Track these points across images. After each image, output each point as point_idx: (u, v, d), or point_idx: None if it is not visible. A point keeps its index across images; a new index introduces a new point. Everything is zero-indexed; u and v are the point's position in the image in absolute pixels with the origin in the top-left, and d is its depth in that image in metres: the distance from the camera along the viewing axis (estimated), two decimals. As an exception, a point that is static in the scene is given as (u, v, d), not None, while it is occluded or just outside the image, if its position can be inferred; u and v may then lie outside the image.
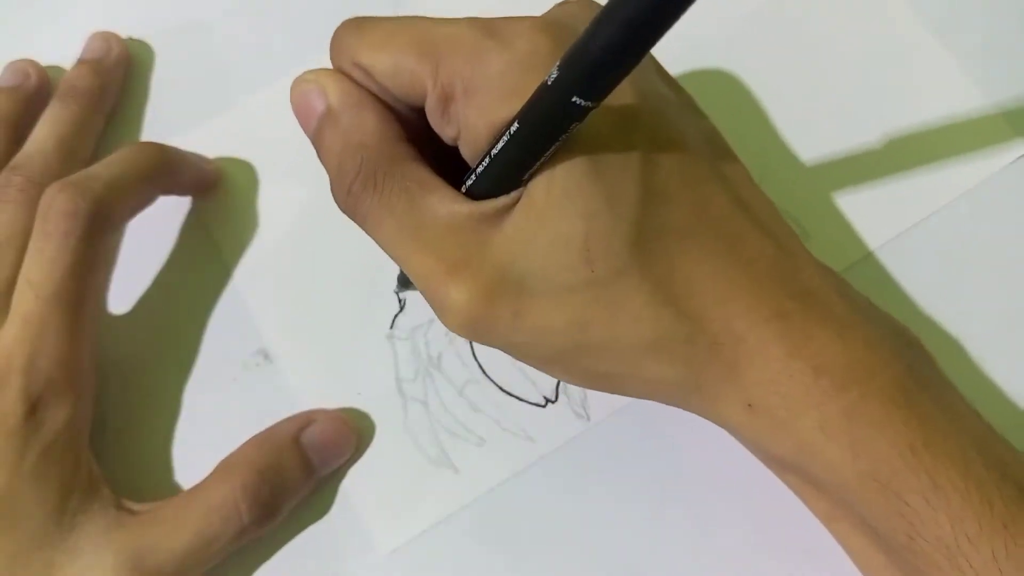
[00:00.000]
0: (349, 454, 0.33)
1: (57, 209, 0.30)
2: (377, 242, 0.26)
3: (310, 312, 0.36)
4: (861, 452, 0.24)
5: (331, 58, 0.27)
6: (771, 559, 0.31)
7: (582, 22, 0.21)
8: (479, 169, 0.25)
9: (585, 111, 0.21)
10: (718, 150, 0.27)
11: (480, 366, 0.34)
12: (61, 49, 0.38)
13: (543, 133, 0.22)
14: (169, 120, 0.39)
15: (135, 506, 0.31)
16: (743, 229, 0.25)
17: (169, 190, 0.35)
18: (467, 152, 0.25)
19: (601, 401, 0.33)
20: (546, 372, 0.27)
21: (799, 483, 0.27)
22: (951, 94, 0.37)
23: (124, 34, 0.39)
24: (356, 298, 0.36)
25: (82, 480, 0.30)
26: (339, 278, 0.36)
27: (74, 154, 0.34)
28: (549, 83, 0.21)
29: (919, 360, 0.27)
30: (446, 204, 0.25)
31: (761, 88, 0.37)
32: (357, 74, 0.26)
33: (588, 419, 0.33)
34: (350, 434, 0.33)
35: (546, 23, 0.25)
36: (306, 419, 0.33)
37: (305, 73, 0.27)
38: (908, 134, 0.36)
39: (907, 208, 0.35)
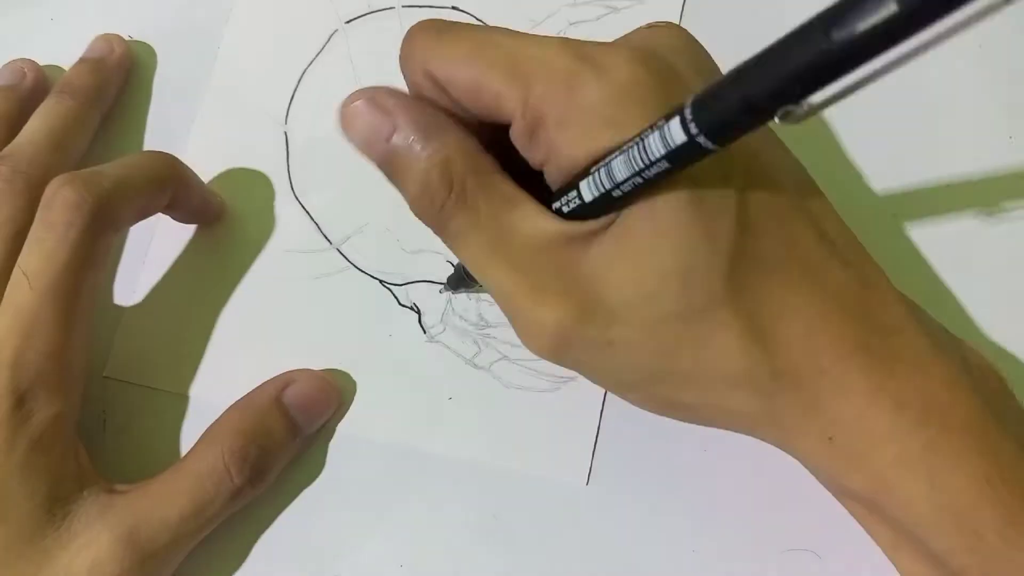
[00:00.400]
0: (332, 411, 0.33)
1: (62, 199, 0.29)
2: (460, 256, 0.26)
3: (356, 382, 0.35)
4: (938, 485, 0.24)
5: (401, 61, 0.26)
6: (784, 463, 0.30)
7: (674, 52, 0.23)
8: (575, 193, 0.24)
9: (707, 153, 0.20)
10: (803, 184, 0.27)
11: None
12: (62, 50, 0.38)
13: (655, 166, 0.21)
14: (172, 123, 0.38)
15: (125, 487, 0.31)
16: (828, 264, 0.25)
17: (174, 205, 0.34)
18: (553, 176, 0.25)
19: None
20: (623, 397, 0.28)
21: (867, 515, 0.27)
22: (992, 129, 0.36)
23: (127, 36, 0.39)
24: (378, 337, 0.36)
25: (71, 470, 0.30)
26: (349, 333, 0.36)
27: (65, 148, 0.34)
28: (675, 119, 0.20)
29: (998, 395, 0.27)
30: (533, 221, 0.24)
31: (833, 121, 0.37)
32: (426, 85, 0.25)
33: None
34: (331, 391, 0.33)
35: (643, 54, 0.24)
36: (286, 380, 0.33)
37: (356, 92, 0.26)
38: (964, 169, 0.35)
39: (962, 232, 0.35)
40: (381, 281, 0.36)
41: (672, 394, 0.26)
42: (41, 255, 0.29)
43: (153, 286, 0.36)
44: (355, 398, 0.34)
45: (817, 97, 0.17)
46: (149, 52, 0.39)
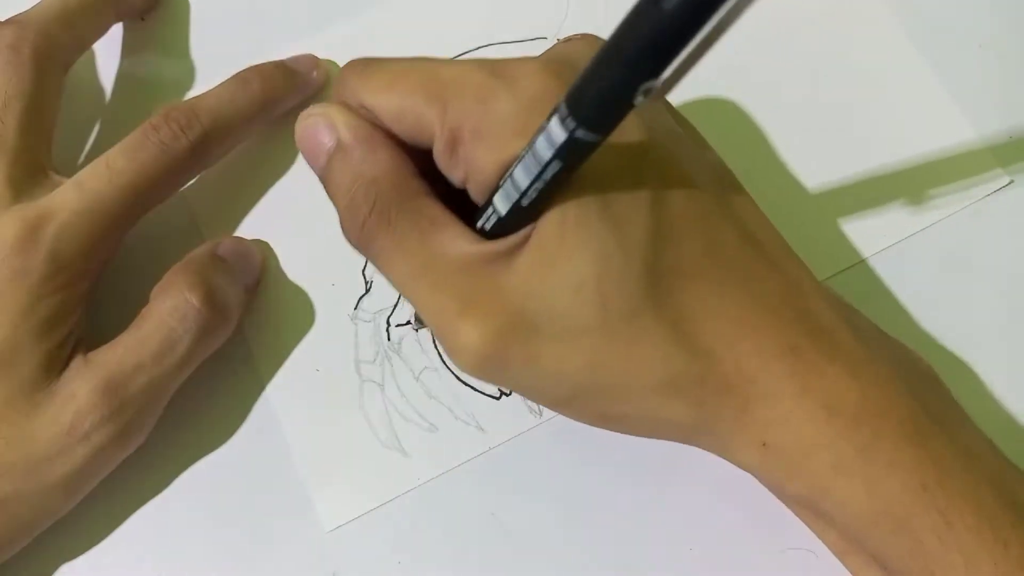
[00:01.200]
0: (260, 260, 0.35)
1: (168, 129, 0.32)
2: (388, 278, 0.26)
3: (277, 287, 0.36)
4: (874, 491, 0.24)
5: (334, 99, 0.27)
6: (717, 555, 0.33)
7: (583, 58, 0.22)
8: (487, 208, 0.25)
9: (591, 146, 0.21)
10: (726, 183, 0.27)
11: (440, 354, 0.36)
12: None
13: (548, 168, 0.22)
14: (209, 47, 0.39)
15: (104, 345, 0.31)
16: (753, 265, 0.25)
17: (274, 116, 0.36)
18: (475, 193, 0.25)
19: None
20: (558, 412, 0.28)
21: (813, 519, 0.27)
22: (941, 123, 0.37)
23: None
24: (322, 277, 0.36)
25: (72, 340, 0.31)
26: (307, 258, 0.37)
27: (74, 28, 0.34)
28: (554, 118, 0.21)
29: (933, 394, 0.27)
30: (457, 243, 0.25)
31: (757, 112, 0.37)
32: (363, 115, 0.26)
33: (540, 415, 0.35)
34: (252, 246, 0.35)
35: (552, 63, 0.25)
36: (212, 243, 0.34)
37: (312, 107, 0.27)
38: (897, 160, 0.37)
39: (894, 225, 0.36)
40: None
41: (605, 407, 0.26)
42: (130, 159, 0.31)
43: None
44: (264, 305, 0.36)
45: (669, 70, 0.18)
46: None
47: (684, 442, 0.27)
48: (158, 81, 0.38)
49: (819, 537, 0.28)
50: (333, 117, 0.26)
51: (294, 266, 0.36)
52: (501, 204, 0.24)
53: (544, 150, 0.22)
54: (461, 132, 0.24)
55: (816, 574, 0.31)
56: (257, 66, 0.35)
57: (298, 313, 0.36)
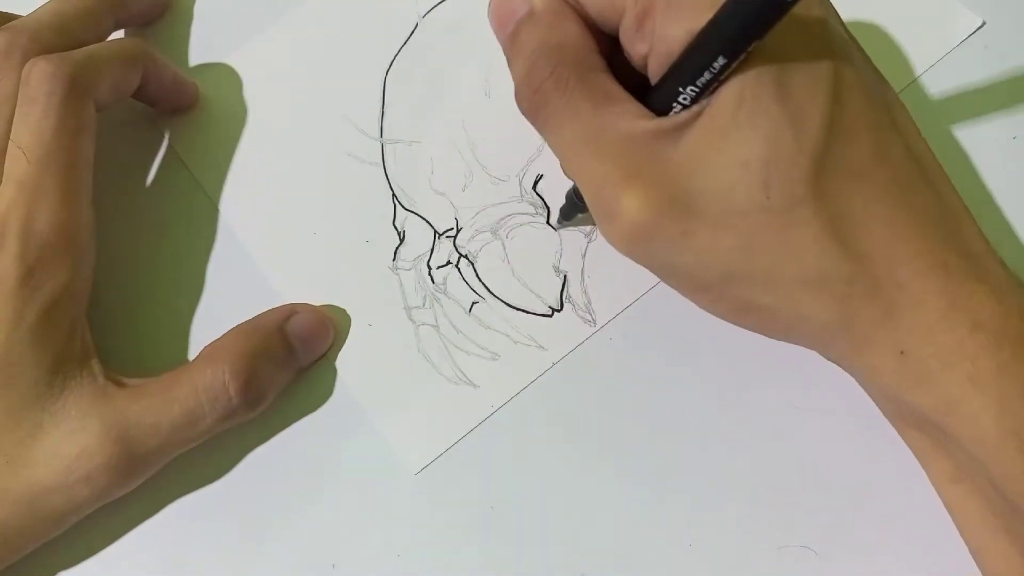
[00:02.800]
0: (329, 344, 0.34)
1: (38, 72, 0.30)
2: (552, 144, 0.27)
3: (309, 251, 0.37)
4: (1007, 409, 0.24)
5: None
6: (781, 460, 0.33)
7: None
8: (663, 83, 0.25)
9: (786, 6, 0.21)
10: (890, 98, 0.27)
11: (485, 285, 0.36)
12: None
13: (742, 25, 0.22)
14: (212, 44, 0.39)
15: (124, 380, 0.31)
16: (914, 180, 0.25)
17: (147, 86, 0.35)
18: (655, 66, 0.25)
19: (605, 305, 0.36)
20: (695, 300, 0.28)
21: (927, 442, 0.27)
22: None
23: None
24: (356, 235, 0.37)
25: (76, 347, 0.30)
26: (336, 220, 0.37)
27: (70, 35, 0.33)
28: None
29: None
30: (628, 117, 0.25)
31: None
32: None
33: (594, 323, 0.36)
34: (329, 326, 0.34)
35: None
36: (289, 310, 0.34)
37: None
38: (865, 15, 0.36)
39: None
40: (394, 194, 0.37)
41: (745, 294, 0.26)
42: (29, 127, 0.30)
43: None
44: (304, 270, 0.36)
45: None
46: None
47: (813, 344, 0.27)
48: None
49: (926, 465, 0.28)
50: None
51: (324, 231, 0.37)
52: (679, 75, 0.24)
53: (737, 8, 0.21)
54: (654, 4, 0.24)
55: (813, 572, 0.31)
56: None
57: (340, 275, 0.36)
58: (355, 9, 0.39)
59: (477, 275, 0.36)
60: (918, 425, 0.27)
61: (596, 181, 0.25)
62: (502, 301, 0.36)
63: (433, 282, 0.36)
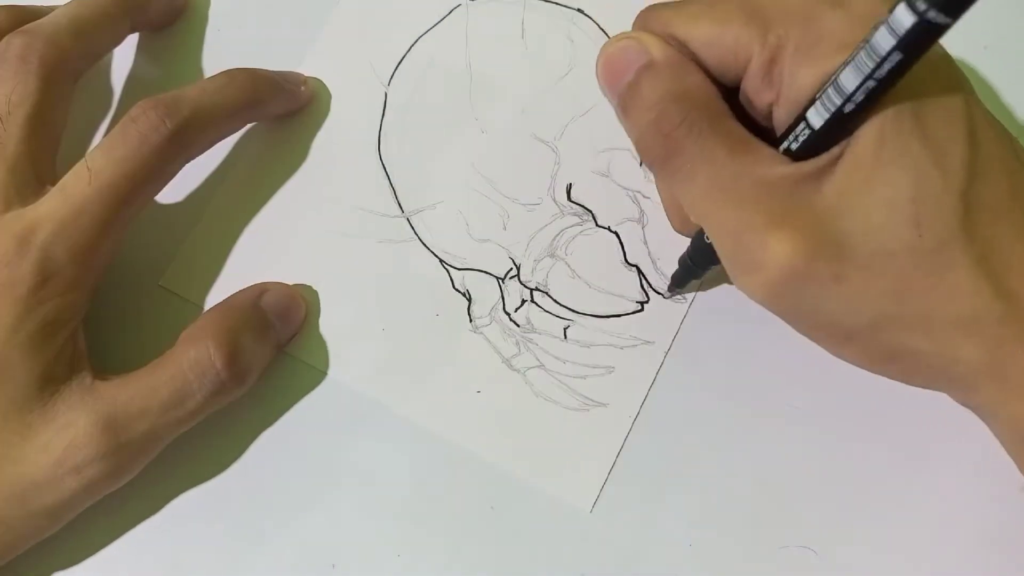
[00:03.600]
0: (302, 318, 0.34)
1: (144, 122, 0.30)
2: (683, 194, 0.26)
3: (390, 348, 0.36)
4: None
5: (638, 27, 0.27)
6: (781, 460, 0.33)
7: None
8: (803, 125, 0.24)
9: (938, 31, 0.20)
10: (1012, 137, 0.26)
11: (568, 308, 0.35)
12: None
13: (885, 64, 0.21)
14: (226, 48, 0.38)
15: (111, 376, 0.31)
16: None
17: (258, 119, 0.36)
18: (783, 112, 0.25)
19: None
20: (838, 351, 0.26)
21: None
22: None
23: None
24: (424, 315, 0.36)
25: (68, 354, 0.30)
26: (398, 303, 0.36)
27: (86, 39, 0.33)
28: (899, 6, 0.20)
29: None
30: (766, 162, 0.24)
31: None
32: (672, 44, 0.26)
33: (684, 299, 0.35)
34: (300, 300, 0.34)
35: None
36: (260, 288, 0.34)
37: (621, 33, 0.27)
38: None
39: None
40: (441, 260, 0.36)
41: (897, 340, 0.25)
42: (109, 157, 0.30)
43: (222, 209, 0.37)
44: (391, 369, 0.35)
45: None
46: None
47: (958, 389, 0.26)
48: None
49: None
50: (645, 40, 0.26)
51: (394, 322, 0.36)
52: (816, 117, 0.24)
53: (884, 41, 0.21)
54: (782, 50, 0.24)
55: (813, 572, 0.32)
56: (247, 68, 0.35)
57: (428, 356, 0.35)
58: (323, 99, 0.38)
59: (556, 301, 0.35)
60: None
61: (736, 229, 0.25)
62: (591, 315, 0.35)
63: (518, 326, 0.35)
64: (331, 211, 0.37)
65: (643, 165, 0.30)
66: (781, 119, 0.25)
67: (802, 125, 0.24)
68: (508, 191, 0.36)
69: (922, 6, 0.20)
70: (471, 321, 0.35)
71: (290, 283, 0.35)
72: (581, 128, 0.37)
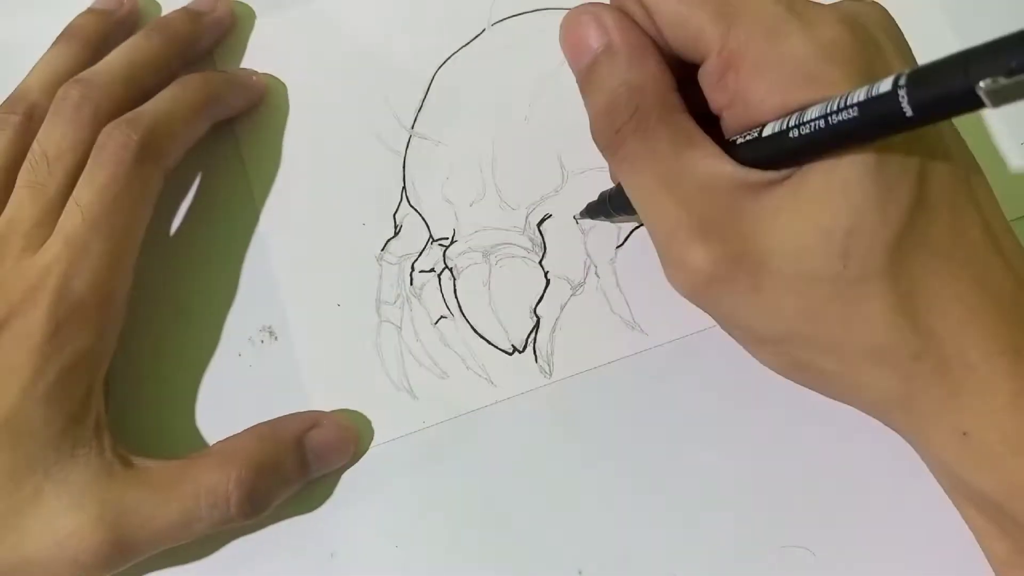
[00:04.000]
0: (347, 459, 0.33)
1: (113, 141, 0.31)
2: (628, 186, 0.26)
3: (311, 219, 0.37)
4: None
5: None
6: (779, 460, 0.33)
7: (877, 26, 0.24)
8: (761, 138, 0.24)
9: (901, 125, 0.21)
10: (973, 170, 0.26)
11: (459, 304, 0.36)
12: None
13: (874, 131, 0.22)
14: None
15: (131, 457, 0.30)
16: (991, 260, 0.25)
17: (219, 116, 0.36)
18: (733, 121, 0.25)
19: (566, 360, 0.36)
20: (753, 352, 0.27)
21: (985, 521, 0.26)
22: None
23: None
24: (355, 214, 0.37)
25: (89, 416, 0.30)
26: (341, 194, 0.37)
27: (139, 85, 0.34)
28: (892, 79, 0.20)
29: None
30: (709, 162, 0.24)
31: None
32: (637, 12, 0.26)
33: (550, 375, 0.35)
34: (350, 443, 0.33)
35: (850, 20, 0.24)
36: (312, 420, 0.33)
37: (582, 6, 0.26)
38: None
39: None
40: (404, 186, 0.37)
41: (809, 357, 0.26)
42: (92, 188, 0.30)
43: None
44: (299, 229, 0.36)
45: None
46: (250, 14, 0.39)
47: (871, 411, 0.27)
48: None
49: (985, 545, 0.27)
50: (604, 18, 0.26)
51: (328, 201, 0.37)
52: (771, 143, 0.24)
53: (855, 99, 0.21)
54: (740, 59, 0.24)
55: (810, 572, 0.31)
56: (197, 72, 0.36)
57: (327, 248, 0.37)
58: (429, -1, 0.39)
59: (455, 291, 0.36)
60: (977, 504, 0.26)
61: (669, 225, 0.25)
62: (469, 324, 0.36)
63: (411, 284, 0.36)
64: (361, 87, 0.38)
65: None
66: (729, 124, 0.25)
67: (757, 142, 0.24)
68: (500, 180, 0.37)
69: (903, 95, 0.20)
70: (383, 250, 0.36)
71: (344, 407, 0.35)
72: (599, 181, 0.36)
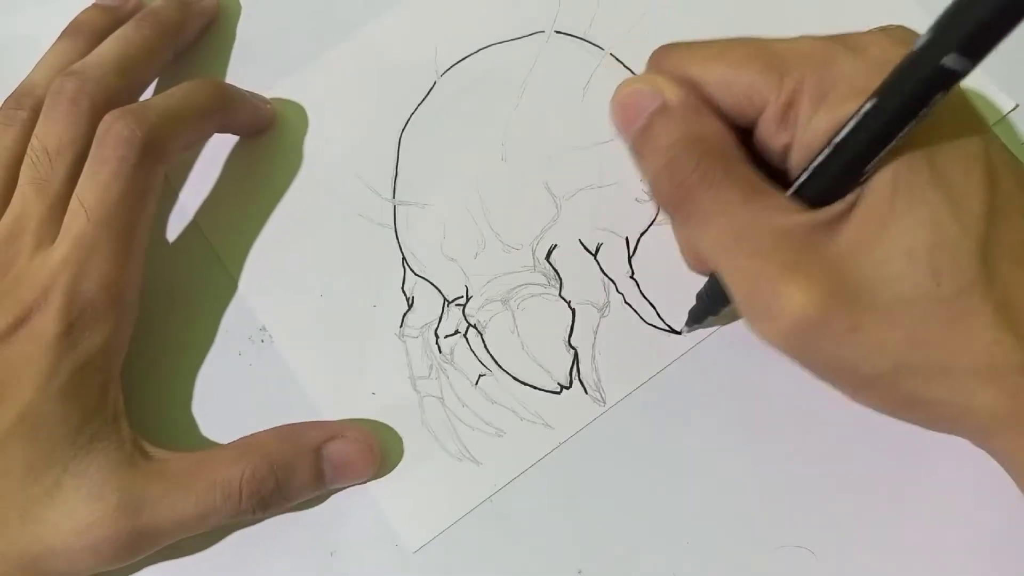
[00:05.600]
0: (367, 478, 0.33)
1: (114, 135, 0.30)
2: (697, 240, 0.26)
3: (317, 313, 0.36)
4: None
5: (652, 67, 0.27)
6: (779, 460, 0.33)
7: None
8: (817, 163, 0.24)
9: (956, 78, 0.20)
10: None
11: (493, 358, 0.35)
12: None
13: (900, 109, 0.21)
14: (254, 73, 0.38)
15: (149, 448, 0.31)
16: None
17: (224, 128, 0.36)
18: (799, 158, 0.25)
19: (615, 383, 0.35)
20: (856, 396, 0.26)
21: None
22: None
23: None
24: (363, 299, 0.36)
25: (106, 408, 0.30)
26: (345, 282, 0.36)
27: (132, 75, 0.34)
28: (917, 48, 0.20)
29: None
30: (780, 210, 0.24)
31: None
32: (686, 84, 0.26)
33: (604, 403, 0.35)
34: (372, 460, 0.33)
35: (899, 38, 0.25)
36: (336, 431, 0.33)
37: (634, 76, 0.27)
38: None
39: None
40: (404, 258, 0.36)
41: (915, 388, 0.24)
42: (96, 187, 0.30)
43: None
44: (311, 333, 0.36)
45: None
46: (236, 6, 0.40)
47: (977, 435, 0.26)
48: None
49: None
50: (659, 83, 0.26)
51: (335, 291, 0.36)
52: (829, 163, 0.24)
53: (898, 85, 0.21)
54: (799, 95, 0.24)
55: (810, 572, 0.31)
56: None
57: (343, 338, 0.35)
58: (372, 65, 0.38)
59: (485, 346, 0.35)
60: None
61: (750, 277, 0.24)
62: (510, 375, 0.35)
63: (440, 352, 0.35)
64: (330, 170, 0.37)
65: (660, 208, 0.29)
66: (796, 163, 0.25)
67: (815, 170, 0.24)
68: (496, 225, 0.36)
69: (938, 53, 0.19)
70: (401, 326, 0.35)
71: (360, 421, 0.34)
72: (592, 199, 0.36)
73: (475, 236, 0.36)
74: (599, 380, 0.35)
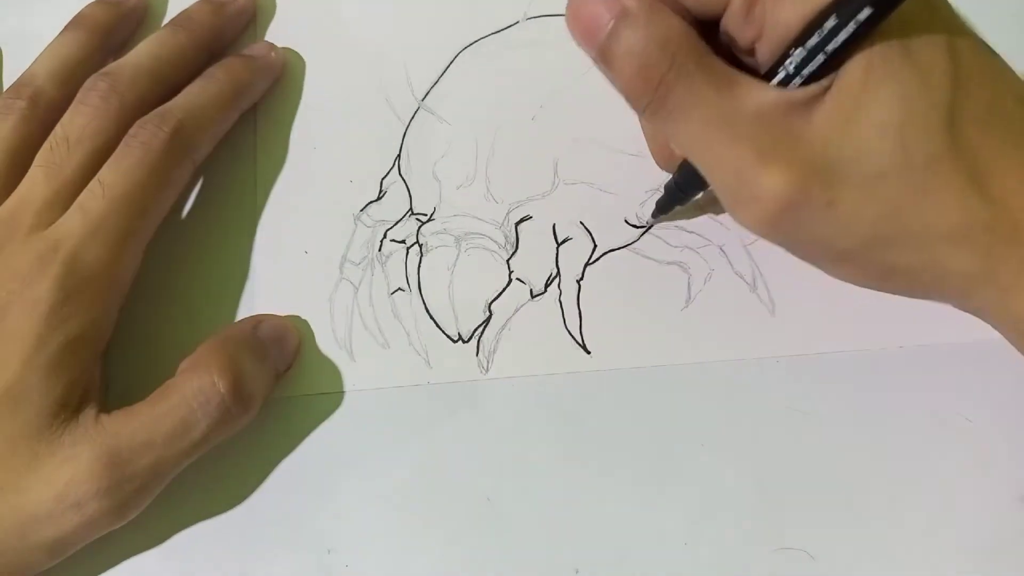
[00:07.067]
0: (297, 346, 0.35)
1: (145, 131, 0.32)
2: (678, 136, 0.26)
3: (304, 162, 0.38)
4: None
5: None
6: (778, 462, 0.33)
7: None
8: (780, 64, 0.25)
9: None
10: (995, 55, 0.27)
11: (419, 281, 0.37)
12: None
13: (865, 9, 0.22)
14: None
15: (114, 410, 0.31)
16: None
17: (245, 108, 0.37)
18: (765, 52, 0.25)
19: (505, 361, 0.36)
20: (836, 271, 0.28)
21: None
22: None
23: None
24: (343, 172, 0.38)
25: (84, 382, 0.31)
26: (343, 141, 0.38)
27: (166, 81, 0.35)
28: None
29: None
30: (754, 94, 0.25)
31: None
32: None
33: (486, 372, 0.36)
34: (294, 330, 0.35)
35: None
36: (255, 319, 0.34)
37: None
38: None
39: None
40: (399, 155, 0.38)
41: (891, 258, 0.26)
42: (118, 170, 0.31)
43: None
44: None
45: None
46: (272, 5, 0.40)
47: (957, 298, 0.27)
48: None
49: None
50: None
51: (323, 151, 0.38)
52: (802, 54, 0.24)
53: None
54: None
55: (810, 574, 0.32)
56: (222, 61, 0.36)
57: (310, 195, 0.38)
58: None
59: (419, 268, 0.37)
60: None
61: (732, 164, 0.25)
62: (423, 302, 0.36)
63: (380, 250, 0.37)
64: (384, 48, 0.39)
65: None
66: (764, 56, 0.26)
67: (788, 61, 0.25)
68: (492, 171, 0.37)
69: None
70: (362, 210, 0.37)
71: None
72: (588, 196, 0.37)
73: (468, 170, 0.37)
74: (493, 351, 0.36)
